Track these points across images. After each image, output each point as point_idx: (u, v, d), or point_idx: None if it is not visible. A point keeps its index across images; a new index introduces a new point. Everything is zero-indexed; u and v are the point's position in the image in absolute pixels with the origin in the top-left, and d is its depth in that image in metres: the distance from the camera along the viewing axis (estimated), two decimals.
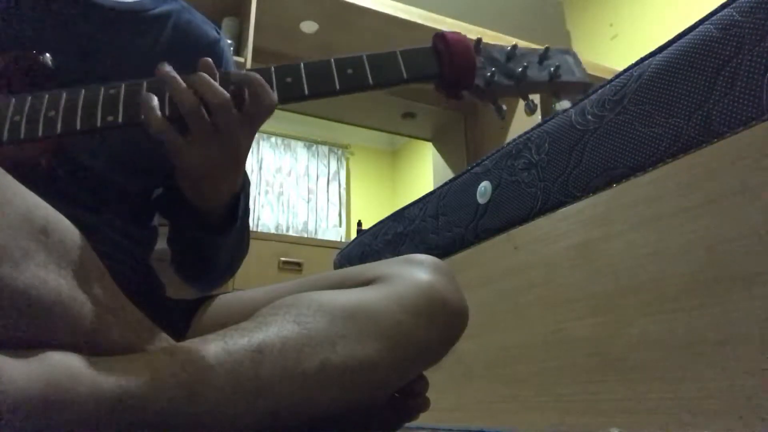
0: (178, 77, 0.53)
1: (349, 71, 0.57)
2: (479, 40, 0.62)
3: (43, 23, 0.66)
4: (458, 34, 0.60)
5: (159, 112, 0.52)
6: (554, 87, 0.63)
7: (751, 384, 0.64)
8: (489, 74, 0.60)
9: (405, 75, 0.58)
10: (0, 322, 0.39)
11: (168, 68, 0.54)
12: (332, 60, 0.57)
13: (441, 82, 0.61)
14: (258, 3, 2.33)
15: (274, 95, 0.55)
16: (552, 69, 0.62)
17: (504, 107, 0.63)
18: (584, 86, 0.65)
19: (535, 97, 0.65)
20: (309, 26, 2.65)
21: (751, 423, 0.63)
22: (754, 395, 0.63)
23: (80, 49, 0.67)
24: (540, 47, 0.65)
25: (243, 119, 0.55)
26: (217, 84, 0.54)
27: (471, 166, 1.27)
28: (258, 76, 0.55)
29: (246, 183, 0.69)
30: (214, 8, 2.33)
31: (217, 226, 0.66)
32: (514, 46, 0.63)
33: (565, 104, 0.65)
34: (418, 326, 0.56)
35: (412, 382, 0.62)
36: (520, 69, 0.61)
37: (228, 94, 0.53)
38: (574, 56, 0.66)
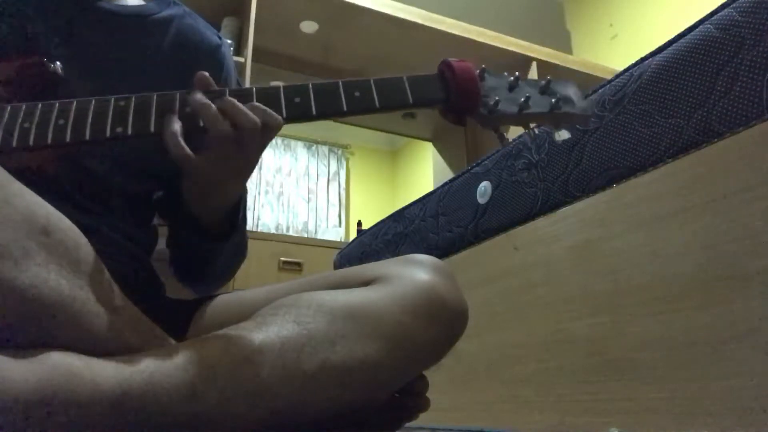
0: (211, 106, 0.53)
1: (357, 94, 0.58)
2: (483, 69, 0.63)
3: (49, 28, 0.66)
4: (464, 62, 0.62)
5: (181, 139, 0.52)
6: (555, 118, 0.64)
7: (751, 384, 0.64)
8: (492, 103, 0.61)
9: (411, 100, 0.60)
10: None
11: (200, 96, 0.54)
12: (340, 82, 0.59)
13: (446, 109, 0.62)
14: (258, 3, 2.32)
15: (279, 117, 0.56)
16: (553, 100, 0.63)
17: (506, 135, 0.64)
18: (585, 118, 0.66)
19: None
20: (309, 26, 2.65)
21: (751, 423, 0.63)
22: (754, 395, 0.63)
23: (85, 53, 0.68)
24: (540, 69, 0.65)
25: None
26: (247, 109, 0.54)
27: (471, 166, 1.27)
28: (259, 105, 0.55)
29: (244, 192, 0.70)
30: (214, 8, 2.34)
31: (216, 234, 0.66)
32: (517, 77, 0.64)
33: (564, 135, 0.66)
34: (418, 326, 0.56)
35: (412, 382, 0.62)
36: (522, 99, 0.62)
37: (258, 119, 0.54)
38: (576, 88, 0.67)
